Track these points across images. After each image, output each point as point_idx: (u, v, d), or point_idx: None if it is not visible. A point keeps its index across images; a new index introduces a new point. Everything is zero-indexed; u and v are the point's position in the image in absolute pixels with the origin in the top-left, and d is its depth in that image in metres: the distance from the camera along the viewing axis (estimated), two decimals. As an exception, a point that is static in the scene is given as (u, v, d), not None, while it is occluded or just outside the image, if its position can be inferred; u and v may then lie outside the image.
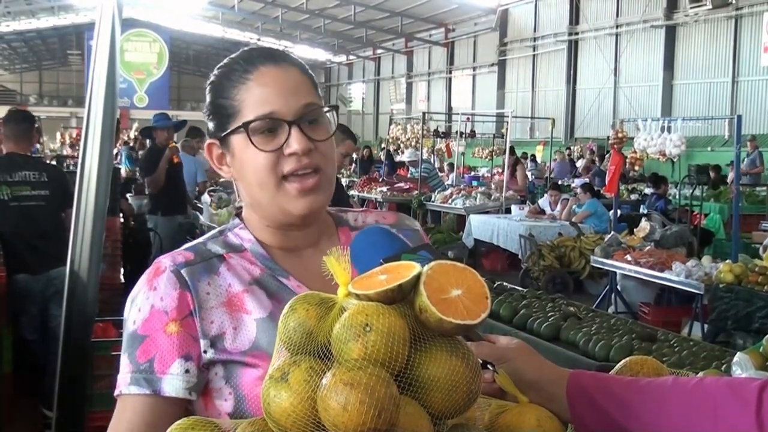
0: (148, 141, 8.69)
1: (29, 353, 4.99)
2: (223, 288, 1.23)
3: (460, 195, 12.76)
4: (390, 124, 20.23)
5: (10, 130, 5.01)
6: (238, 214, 1.36)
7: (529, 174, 17.56)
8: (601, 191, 11.93)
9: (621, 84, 22.25)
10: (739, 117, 8.20)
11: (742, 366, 2.75)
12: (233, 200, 7.91)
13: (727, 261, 6.85)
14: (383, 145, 21.52)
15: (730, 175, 13.87)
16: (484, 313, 0.98)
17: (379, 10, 29.62)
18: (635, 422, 1.11)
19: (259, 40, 35.45)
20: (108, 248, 5.60)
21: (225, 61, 1.31)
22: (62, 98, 43.03)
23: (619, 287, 8.14)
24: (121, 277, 6.23)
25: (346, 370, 0.91)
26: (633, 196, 14.08)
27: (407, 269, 1.00)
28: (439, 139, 18.68)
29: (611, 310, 7.71)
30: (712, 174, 14.64)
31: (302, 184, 1.23)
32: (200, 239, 1.32)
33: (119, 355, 1.21)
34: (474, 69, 29.73)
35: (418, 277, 0.99)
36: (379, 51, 36.38)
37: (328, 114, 1.29)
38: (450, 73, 31.30)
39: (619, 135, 8.76)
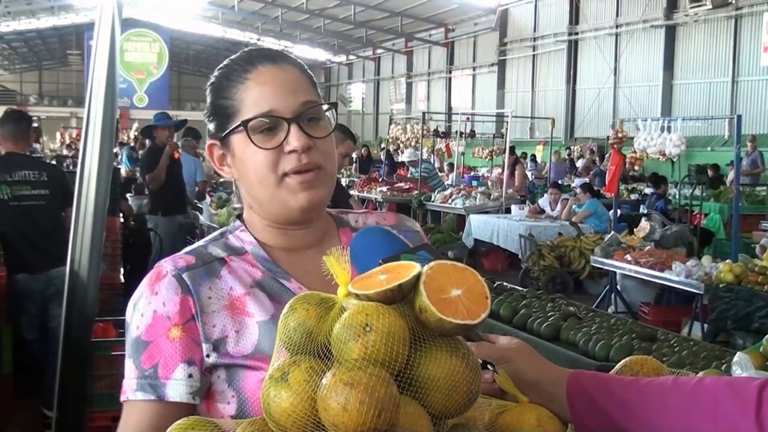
0: (147, 141, 8.70)
1: (29, 353, 5.00)
2: (224, 291, 1.23)
3: (460, 195, 12.75)
4: (390, 124, 20.21)
5: (9, 131, 5.01)
6: (239, 216, 1.36)
7: (529, 174, 17.55)
8: (601, 191, 11.93)
9: (621, 84, 22.22)
10: (739, 117, 8.18)
11: (742, 366, 2.75)
12: (233, 200, 7.92)
13: (727, 261, 6.84)
14: (383, 145, 21.51)
15: (730, 175, 13.86)
16: (484, 313, 0.98)
17: (379, 10, 29.60)
18: (635, 422, 1.11)
19: (259, 40, 35.45)
20: (108, 248, 5.60)
21: (225, 62, 1.32)
22: (62, 98, 42.98)
23: (619, 287, 8.14)
24: (121, 277, 6.22)
25: (346, 370, 0.91)
26: (633, 196, 14.06)
27: (407, 269, 1.00)
28: (439, 139, 18.68)
29: (611, 310, 7.70)
30: (710, 173, 14.68)
31: (302, 177, 1.24)
32: (201, 242, 1.32)
33: (119, 355, 1.22)
34: (474, 69, 29.70)
35: (418, 277, 0.99)
36: (379, 51, 36.36)
37: (327, 113, 1.30)
38: (450, 73, 31.27)
39: (619, 135, 8.76)
